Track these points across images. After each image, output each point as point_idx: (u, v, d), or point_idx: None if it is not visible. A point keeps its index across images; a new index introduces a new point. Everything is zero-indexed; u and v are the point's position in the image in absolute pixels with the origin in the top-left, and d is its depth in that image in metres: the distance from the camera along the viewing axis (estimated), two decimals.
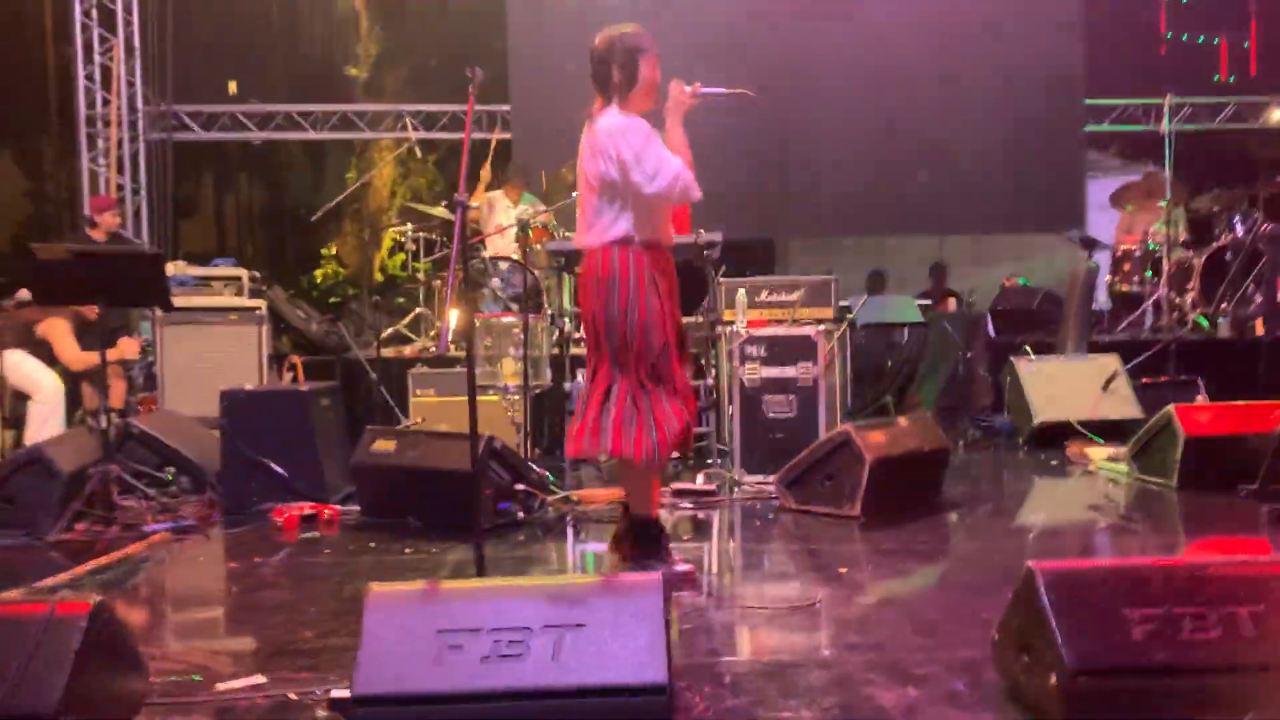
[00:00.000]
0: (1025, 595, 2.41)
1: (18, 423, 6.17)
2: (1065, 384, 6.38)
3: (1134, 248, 8.03)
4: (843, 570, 3.80)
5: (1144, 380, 6.44)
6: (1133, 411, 6.15)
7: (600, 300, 3.46)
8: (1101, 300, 8.30)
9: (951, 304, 8.73)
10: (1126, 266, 8.04)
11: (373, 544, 4.32)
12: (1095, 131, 9.66)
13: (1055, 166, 8.94)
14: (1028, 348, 6.86)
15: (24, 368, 5.99)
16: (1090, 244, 7.89)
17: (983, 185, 8.83)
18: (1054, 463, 5.92)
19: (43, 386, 5.93)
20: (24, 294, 6.14)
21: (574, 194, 5.93)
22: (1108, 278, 8.24)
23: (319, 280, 14.15)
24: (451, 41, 13.34)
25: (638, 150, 3.39)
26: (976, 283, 8.57)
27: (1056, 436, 6.19)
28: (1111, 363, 6.44)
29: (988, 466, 6.15)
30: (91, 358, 5.78)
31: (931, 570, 3.96)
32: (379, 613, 2.31)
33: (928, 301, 8.38)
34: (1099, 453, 5.78)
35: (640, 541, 3.61)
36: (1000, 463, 6.23)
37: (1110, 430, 6.02)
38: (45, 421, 5.87)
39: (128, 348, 6.30)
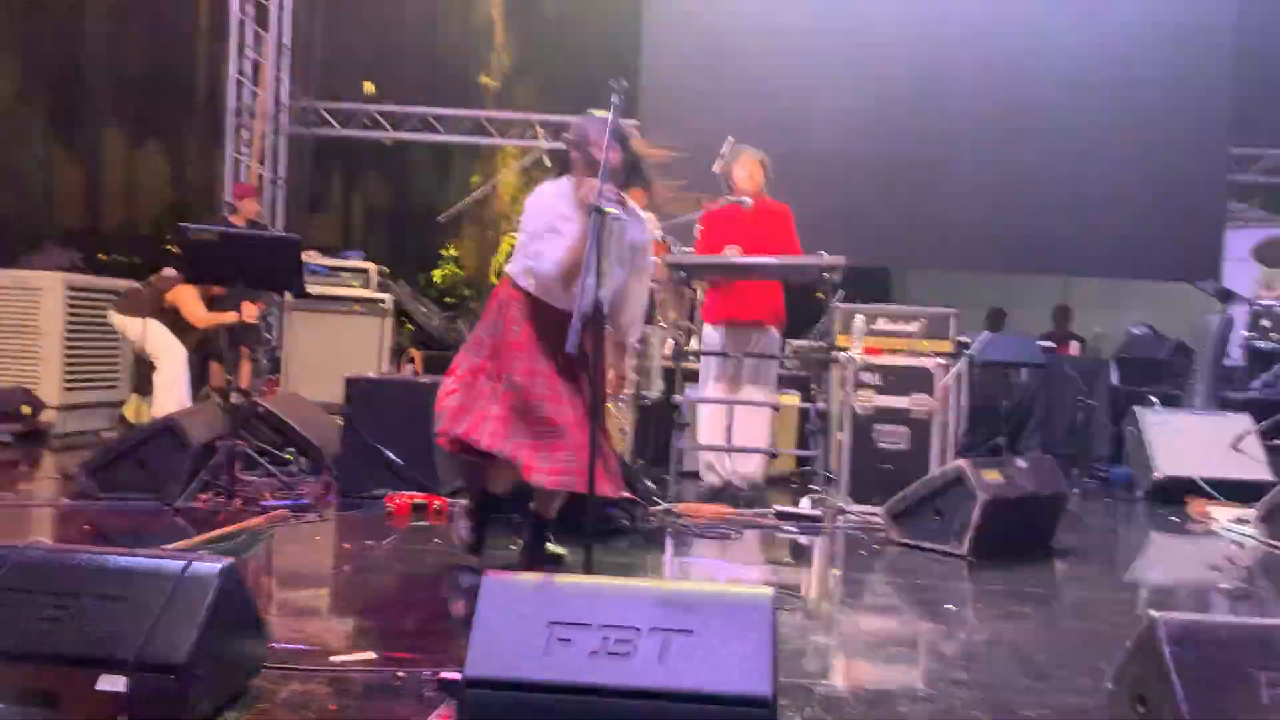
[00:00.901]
0: (1145, 645, 2.33)
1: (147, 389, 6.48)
2: (1191, 439, 6.16)
3: (1274, 303, 7.70)
4: (949, 607, 3.73)
5: (1276, 442, 6.17)
6: (1263, 473, 5.89)
7: None
8: (1235, 355, 7.97)
9: (1074, 348, 8.49)
10: (1265, 322, 7.71)
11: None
12: (1238, 181, 9.30)
13: (1193, 214, 8.63)
14: (1153, 398, 6.63)
15: (156, 335, 6.28)
16: (1226, 296, 7.59)
17: (1115, 228, 8.56)
18: (1174, 519, 5.70)
19: (169, 350, 6.21)
20: (167, 271, 6.45)
21: (698, 210, 6.00)
22: (1243, 333, 7.92)
23: (437, 279, 14.50)
24: (583, 55, 13.57)
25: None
26: (1102, 328, 8.32)
27: (1178, 492, 5.97)
28: (1243, 421, 6.19)
29: (1104, 517, 5.96)
30: (216, 316, 6.05)
31: (1041, 614, 3.85)
32: (493, 599, 2.35)
33: (1049, 344, 8.17)
34: (1224, 512, 5.55)
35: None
36: (1117, 514, 6.03)
37: (1237, 490, 5.78)
38: (170, 389, 6.14)
39: (248, 311, 6.55)
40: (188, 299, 6.23)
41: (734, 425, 5.63)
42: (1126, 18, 8.55)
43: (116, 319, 6.40)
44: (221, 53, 9.99)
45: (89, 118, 17.62)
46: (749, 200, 5.59)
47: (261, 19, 9.60)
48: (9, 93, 14.67)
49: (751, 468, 5.77)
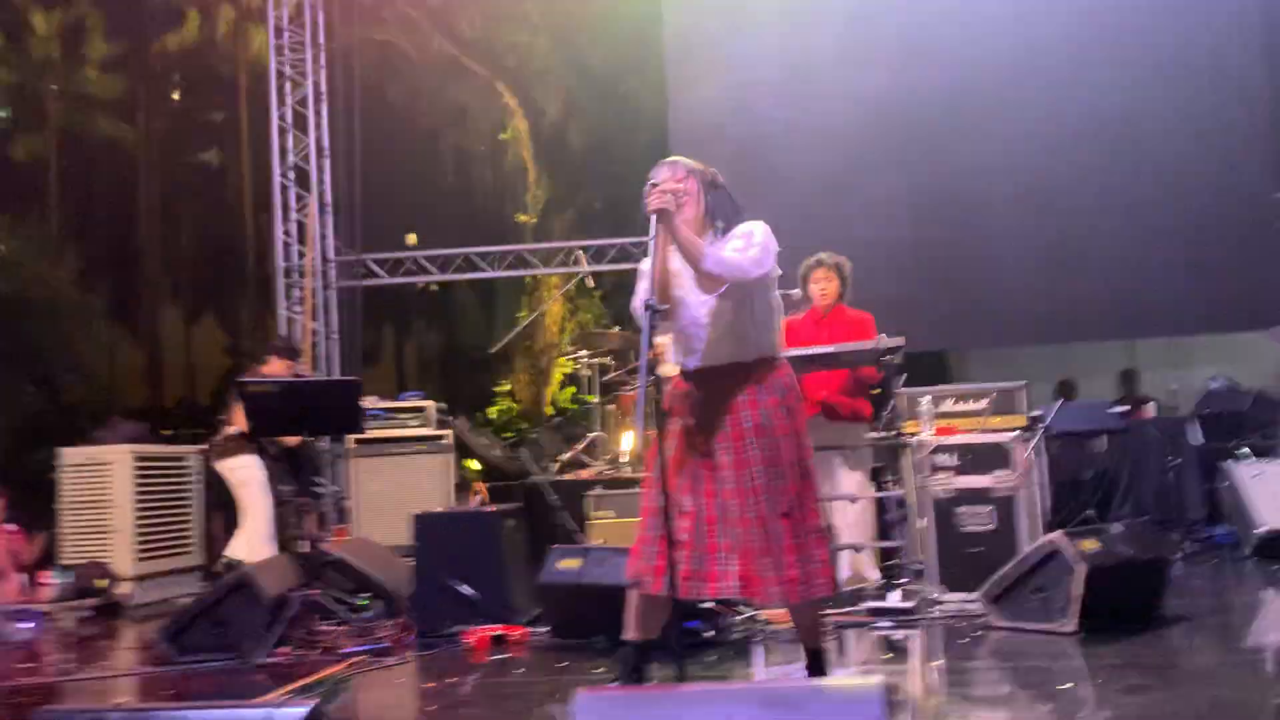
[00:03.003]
0: None
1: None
2: None
3: None
4: (1066, 685, 3.51)
5: None
6: None
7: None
8: None
9: (1150, 410, 8.23)
10: None
11: (563, 664, 4.27)
12: None
13: (1249, 263, 8.43)
14: (1247, 449, 6.37)
15: (236, 472, 6.34)
16: None
17: (1173, 285, 8.38)
18: None
19: (247, 486, 6.24)
20: (230, 429, 6.51)
21: None
22: None
23: (493, 416, 14.57)
24: (614, 183, 13.88)
25: None
26: (1175, 387, 8.08)
27: None
28: None
29: (1211, 579, 5.66)
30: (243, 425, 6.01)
31: (1164, 686, 3.61)
32: (588, 715, 2.24)
33: (1125, 408, 7.94)
34: None
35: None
36: (1225, 575, 5.74)
37: None
38: (249, 530, 6.17)
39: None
40: (238, 408, 6.28)
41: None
42: (1157, 74, 8.52)
43: (216, 464, 6.48)
44: (267, 222, 10.33)
45: (147, 299, 18.31)
46: (797, 292, 5.55)
47: (303, 181, 9.93)
48: (71, 281, 15.30)
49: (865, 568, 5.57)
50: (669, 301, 3.30)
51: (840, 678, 3.08)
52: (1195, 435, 7.10)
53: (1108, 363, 9.49)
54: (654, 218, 3.24)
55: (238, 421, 6.12)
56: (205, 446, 6.59)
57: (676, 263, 3.33)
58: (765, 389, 3.33)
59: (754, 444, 3.28)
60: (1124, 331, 9.00)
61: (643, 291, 3.29)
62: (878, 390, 5.65)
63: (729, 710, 2.24)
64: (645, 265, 3.37)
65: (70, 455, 7.15)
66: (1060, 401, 6.48)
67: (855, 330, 5.40)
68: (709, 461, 3.31)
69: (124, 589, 6.83)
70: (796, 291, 5.66)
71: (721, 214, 3.43)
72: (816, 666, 3.45)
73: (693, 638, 4.44)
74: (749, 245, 3.34)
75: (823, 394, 5.52)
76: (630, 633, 3.42)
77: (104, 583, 6.58)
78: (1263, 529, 5.80)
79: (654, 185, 3.32)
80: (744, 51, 8.99)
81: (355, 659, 4.50)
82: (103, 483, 7.02)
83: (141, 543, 7.04)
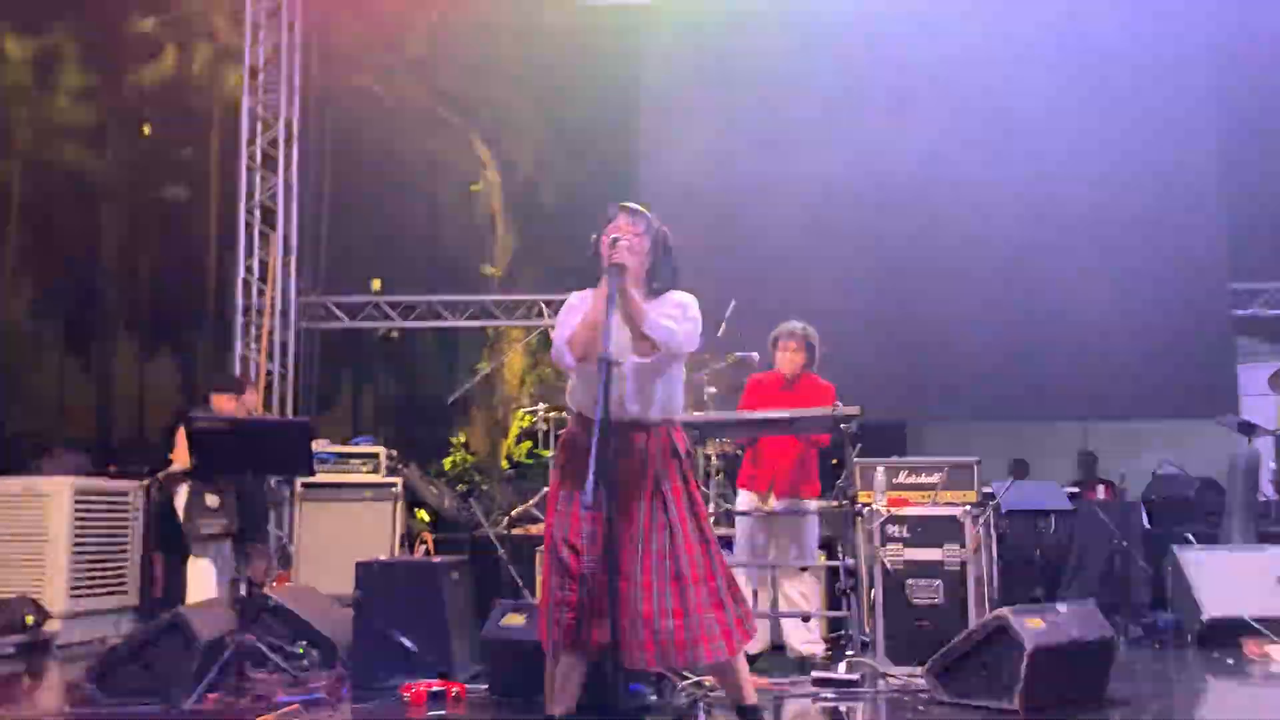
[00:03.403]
0: None
1: None
2: (1236, 577, 5.94)
3: None
4: None
5: None
6: None
7: None
8: (1266, 489, 7.78)
9: (1101, 492, 8.29)
10: None
11: None
12: (1245, 316, 9.32)
13: (1204, 351, 8.64)
14: (1190, 537, 6.43)
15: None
16: (1249, 429, 7.47)
17: (1128, 371, 8.54)
18: (1230, 661, 5.42)
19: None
20: (174, 468, 6.36)
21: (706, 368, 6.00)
22: (1272, 464, 7.76)
23: (447, 468, 14.41)
24: (583, 241, 13.93)
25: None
26: (1125, 471, 8.16)
27: (1228, 633, 5.70)
28: None
29: (1154, 664, 5.66)
30: (185, 462, 5.84)
31: None
32: None
33: (1075, 489, 8.00)
34: None
35: None
36: (1168, 661, 5.74)
37: None
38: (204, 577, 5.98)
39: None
40: (181, 438, 6.09)
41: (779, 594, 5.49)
42: (1119, 166, 8.79)
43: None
44: (230, 261, 10.24)
45: (101, 332, 18.02)
46: (755, 355, 5.59)
47: (269, 220, 9.88)
48: (23, 309, 15.03)
49: (807, 639, 5.52)
50: (594, 353, 3.27)
51: None
52: (1142, 520, 7.16)
53: (1061, 443, 9.58)
54: (609, 269, 3.25)
55: (178, 457, 5.99)
56: (147, 482, 6.44)
57: (614, 317, 3.34)
58: (665, 450, 3.35)
59: (657, 503, 3.29)
60: (1078, 413, 9.12)
61: (569, 334, 3.39)
62: (835, 461, 5.67)
63: None
64: (574, 299, 3.39)
65: (5, 485, 6.96)
66: (1012, 480, 6.50)
67: (820, 398, 5.43)
68: (614, 518, 3.28)
69: (53, 626, 6.61)
70: (755, 355, 5.70)
71: (660, 277, 3.50)
72: None
73: (637, 700, 4.37)
74: (684, 318, 3.39)
75: (780, 465, 5.54)
76: (556, 707, 3.36)
77: (31, 619, 6.36)
78: (1205, 617, 5.83)
79: (615, 239, 3.33)
80: (717, 116, 9.13)
81: (286, 709, 4.36)
82: (38, 515, 6.82)
83: (75, 578, 6.83)
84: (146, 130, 18.68)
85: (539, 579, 6.20)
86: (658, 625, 3.25)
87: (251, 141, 9.88)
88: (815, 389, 5.54)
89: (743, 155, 9.03)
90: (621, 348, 3.35)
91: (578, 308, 3.43)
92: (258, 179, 9.87)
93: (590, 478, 2.89)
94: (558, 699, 3.37)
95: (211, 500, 5.90)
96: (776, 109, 9.08)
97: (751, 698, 3.48)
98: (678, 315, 3.39)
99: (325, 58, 10.43)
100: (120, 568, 7.27)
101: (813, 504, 5.63)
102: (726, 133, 9.07)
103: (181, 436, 6.11)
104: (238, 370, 9.68)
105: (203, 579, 5.99)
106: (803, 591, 5.54)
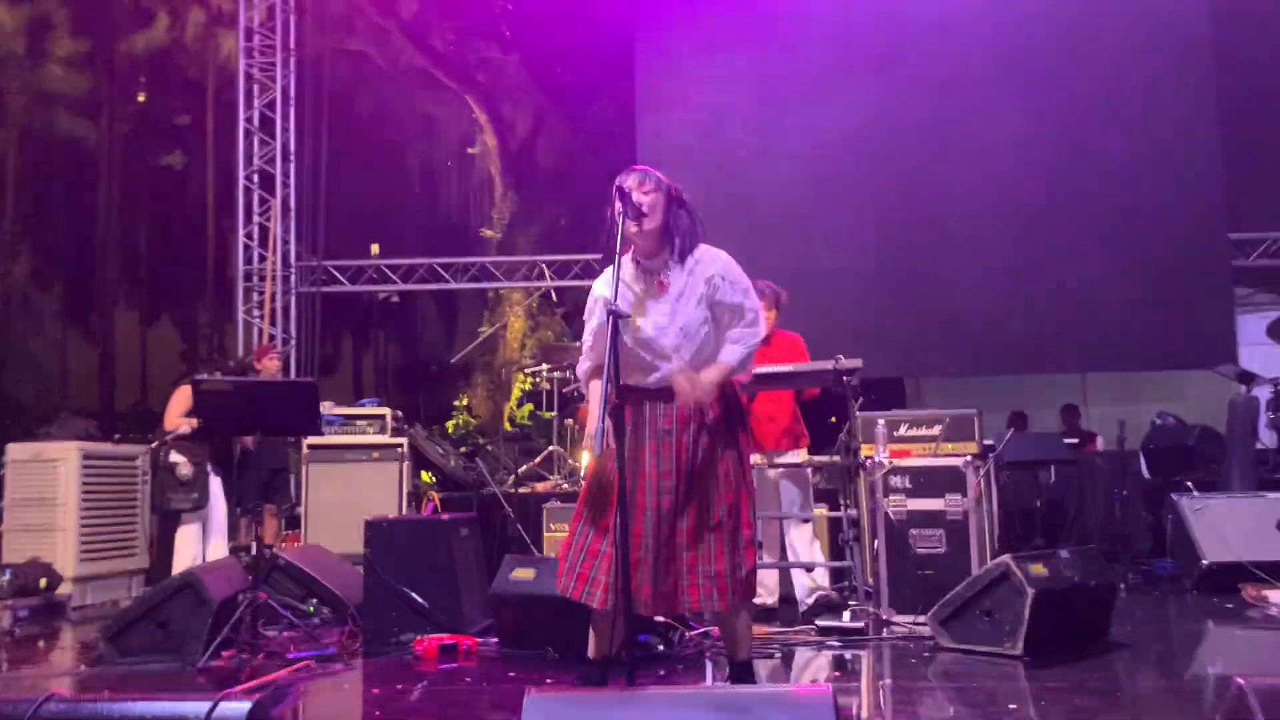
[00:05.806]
0: (1236, 715, 2.19)
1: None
2: (1234, 523, 6.00)
3: None
4: (1011, 707, 3.54)
5: None
6: None
7: None
8: (1264, 436, 7.84)
9: (1099, 443, 8.36)
10: None
11: (512, 674, 4.24)
12: (1243, 266, 9.34)
13: (1202, 301, 8.66)
14: (1190, 485, 6.49)
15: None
16: (1248, 378, 7.51)
17: (1127, 322, 8.57)
18: (1229, 606, 5.49)
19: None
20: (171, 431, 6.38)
21: None
22: (1269, 414, 7.81)
23: (450, 430, 14.47)
24: (581, 202, 13.91)
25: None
26: (1123, 421, 8.21)
27: (1227, 579, 5.77)
28: None
29: (1155, 610, 5.74)
30: (182, 424, 5.90)
31: (1109, 711, 3.65)
32: (537, 717, 2.23)
33: (1073, 440, 8.05)
34: None
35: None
36: (1168, 606, 5.82)
37: None
38: (190, 545, 6.03)
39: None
40: (174, 399, 6.12)
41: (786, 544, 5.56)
42: (1118, 118, 8.76)
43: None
44: (228, 227, 10.24)
45: (102, 299, 18.03)
46: None
47: (267, 185, 9.87)
48: (24, 279, 15.04)
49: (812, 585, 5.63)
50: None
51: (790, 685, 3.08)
52: (1142, 469, 7.22)
53: (1059, 396, 9.64)
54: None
55: (170, 421, 6.02)
56: (154, 444, 6.46)
57: (638, 287, 3.33)
58: (713, 403, 3.36)
59: (698, 454, 3.31)
60: (1075, 365, 9.16)
61: (588, 370, 3.43)
62: (833, 419, 5.72)
63: (680, 714, 2.24)
64: (598, 288, 3.40)
65: (15, 451, 7.00)
66: (1012, 431, 6.55)
67: (793, 350, 5.59)
68: (650, 473, 3.31)
69: (65, 589, 6.68)
70: None
71: (681, 232, 3.40)
72: (741, 680, 3.47)
73: (645, 651, 4.43)
74: (754, 316, 3.39)
75: (775, 419, 5.60)
76: (592, 650, 3.42)
77: (44, 582, 6.43)
78: (1205, 562, 5.90)
79: (622, 209, 3.28)
80: (714, 76, 9.09)
81: (300, 664, 4.43)
82: (48, 480, 6.88)
83: (86, 543, 6.89)
84: (141, 98, 18.59)
85: (547, 535, 6.31)
86: (670, 573, 3.28)
87: (248, 105, 9.85)
88: (789, 343, 5.67)
89: (740, 116, 9.00)
90: (660, 328, 3.33)
91: (598, 311, 3.37)
92: (255, 143, 9.85)
93: (598, 425, 2.92)
94: (598, 646, 3.44)
95: (184, 472, 5.94)
96: (774, 67, 9.04)
97: (744, 654, 3.51)
98: (751, 319, 3.38)
99: (319, 19, 10.36)
100: (130, 531, 7.34)
101: (804, 455, 5.71)
102: (723, 94, 9.04)
103: (174, 400, 6.17)
104: (240, 336, 9.72)
105: (190, 545, 6.05)
106: (806, 540, 5.62)
